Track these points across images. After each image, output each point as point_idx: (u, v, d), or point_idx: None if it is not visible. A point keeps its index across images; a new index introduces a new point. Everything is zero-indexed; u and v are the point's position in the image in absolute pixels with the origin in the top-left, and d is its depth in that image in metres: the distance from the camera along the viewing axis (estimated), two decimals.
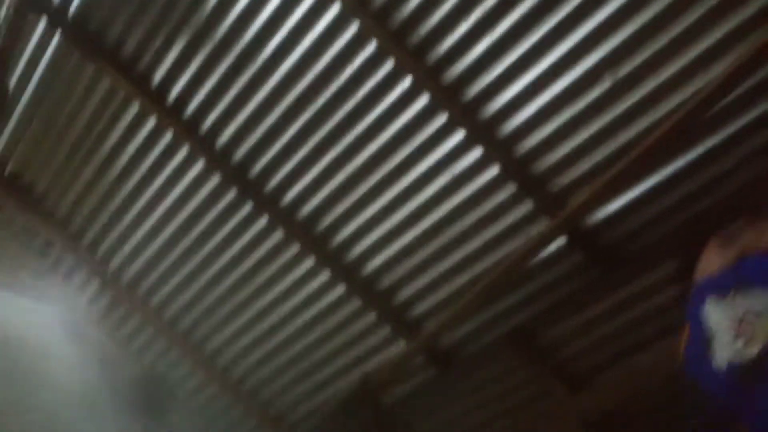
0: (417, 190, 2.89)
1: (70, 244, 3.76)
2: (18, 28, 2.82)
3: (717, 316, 0.72)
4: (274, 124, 2.97)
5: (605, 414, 2.98)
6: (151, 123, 3.11)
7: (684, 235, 2.10)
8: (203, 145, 3.11)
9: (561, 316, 2.95)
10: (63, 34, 2.87)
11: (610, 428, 3.02)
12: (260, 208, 3.22)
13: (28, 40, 3.06)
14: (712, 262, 0.82)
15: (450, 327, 3.11)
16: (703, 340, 0.74)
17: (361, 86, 2.73)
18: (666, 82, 2.36)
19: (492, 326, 3.14)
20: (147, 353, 4.00)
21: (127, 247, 3.65)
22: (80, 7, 2.81)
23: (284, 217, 3.22)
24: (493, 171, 2.73)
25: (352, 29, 2.60)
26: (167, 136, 3.15)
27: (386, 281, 3.24)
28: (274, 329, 3.60)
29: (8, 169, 3.68)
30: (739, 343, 0.68)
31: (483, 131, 2.68)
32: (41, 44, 3.05)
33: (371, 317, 3.31)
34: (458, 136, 2.71)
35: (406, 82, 2.66)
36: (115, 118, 3.17)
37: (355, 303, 3.30)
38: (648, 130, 2.41)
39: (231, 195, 3.22)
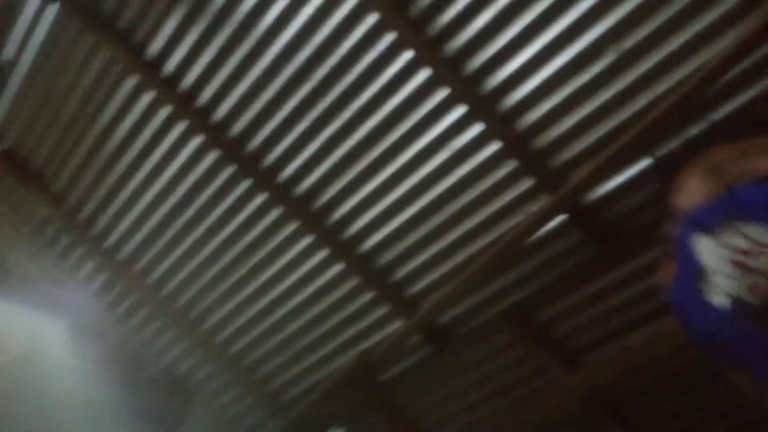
0: (416, 166, 2.87)
1: (68, 221, 3.74)
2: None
3: (712, 250, 0.67)
4: (273, 98, 2.93)
5: (601, 391, 2.98)
6: (148, 96, 3.07)
7: None
8: (201, 119, 3.08)
9: (559, 293, 2.93)
10: (61, 4, 2.83)
11: (607, 405, 3.02)
12: (259, 184, 3.19)
13: (24, 11, 3.03)
14: (699, 193, 0.76)
15: (448, 305, 3.10)
16: (695, 276, 0.69)
17: (361, 60, 2.70)
18: (669, 57, 2.33)
19: (489, 304, 3.12)
20: (144, 331, 4.00)
21: (125, 224, 3.63)
22: None
23: (283, 194, 3.19)
24: (494, 147, 2.70)
25: (352, 1, 2.56)
26: (165, 111, 3.12)
27: (385, 259, 3.22)
28: (272, 307, 3.59)
29: (5, 143, 3.66)
30: (747, 280, 0.63)
31: (484, 106, 2.64)
32: (38, 16, 3.01)
33: (370, 295, 3.30)
34: (459, 111, 2.68)
35: (406, 56, 2.63)
36: (113, 91, 3.14)
37: (354, 281, 3.29)
38: (650, 106, 2.38)
39: (229, 171, 3.19)
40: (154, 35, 2.91)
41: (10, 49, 3.20)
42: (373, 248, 3.20)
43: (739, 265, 0.66)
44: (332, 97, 2.83)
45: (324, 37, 2.70)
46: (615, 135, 2.47)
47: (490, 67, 2.58)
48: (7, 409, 3.24)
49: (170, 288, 3.77)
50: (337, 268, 3.30)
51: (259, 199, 3.24)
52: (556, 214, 2.67)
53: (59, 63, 3.13)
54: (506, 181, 2.77)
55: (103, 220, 3.69)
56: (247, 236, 3.39)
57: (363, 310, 3.37)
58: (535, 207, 2.75)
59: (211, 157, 3.17)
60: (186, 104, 3.06)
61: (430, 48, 2.59)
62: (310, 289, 3.46)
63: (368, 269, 3.24)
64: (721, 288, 0.67)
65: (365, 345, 3.45)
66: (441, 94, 2.66)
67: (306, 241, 3.27)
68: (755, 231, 0.67)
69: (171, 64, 3.00)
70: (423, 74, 2.64)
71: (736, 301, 0.66)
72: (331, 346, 3.57)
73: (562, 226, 2.75)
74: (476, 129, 2.68)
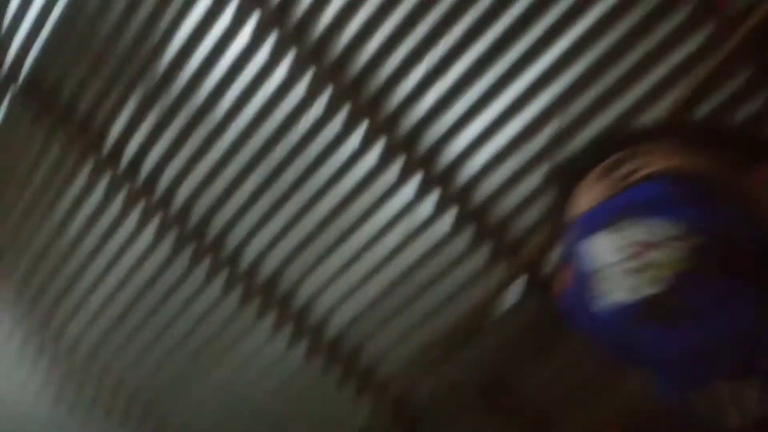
0: (376, 241, 2.87)
1: (25, 313, 3.62)
2: None
3: (603, 250, 0.66)
4: (231, 180, 2.94)
5: None
6: (104, 184, 3.06)
7: None
8: (158, 205, 3.06)
9: (528, 364, 2.89)
10: (14, 95, 2.85)
11: None
12: (216, 270, 3.15)
13: None
14: (591, 196, 0.75)
15: (416, 385, 3.03)
16: (586, 279, 0.65)
17: (316, 138, 2.74)
18: (613, 121, 2.41)
19: (460, 381, 3.06)
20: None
21: (83, 316, 3.52)
22: (32, 69, 2.81)
23: (243, 278, 3.15)
24: (450, 218, 2.74)
25: (306, 80, 2.63)
26: (120, 199, 3.10)
27: (350, 341, 3.17)
28: (238, 397, 3.46)
29: None
30: (635, 280, 0.61)
31: (438, 179, 2.70)
32: None
33: (335, 377, 3.20)
34: (413, 184, 2.72)
35: (360, 132, 2.69)
36: (68, 181, 3.12)
37: (318, 363, 3.20)
38: None
39: (187, 256, 3.15)
40: (111, 124, 2.93)
41: None
42: (337, 331, 3.15)
43: (634, 260, 0.65)
44: (290, 177, 2.85)
45: (280, 118, 2.75)
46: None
47: (442, 141, 2.65)
48: None
49: (134, 385, 3.63)
50: (302, 352, 3.22)
51: (218, 284, 3.18)
52: (515, 282, 2.67)
53: (14, 153, 3.12)
54: (465, 253, 2.78)
55: (61, 313, 3.58)
56: (208, 323, 3.31)
57: (329, 394, 3.26)
58: (494, 277, 2.75)
59: (169, 242, 3.13)
60: (143, 191, 3.05)
61: (383, 125, 2.65)
62: (275, 380, 3.36)
63: (333, 352, 3.17)
64: (616, 285, 0.65)
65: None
66: (395, 168, 2.71)
67: (267, 324, 3.20)
68: (649, 226, 0.66)
69: (129, 152, 3.01)
70: (377, 149, 2.69)
71: (631, 297, 0.65)
72: None
73: (523, 294, 2.74)
74: (432, 201, 2.72)
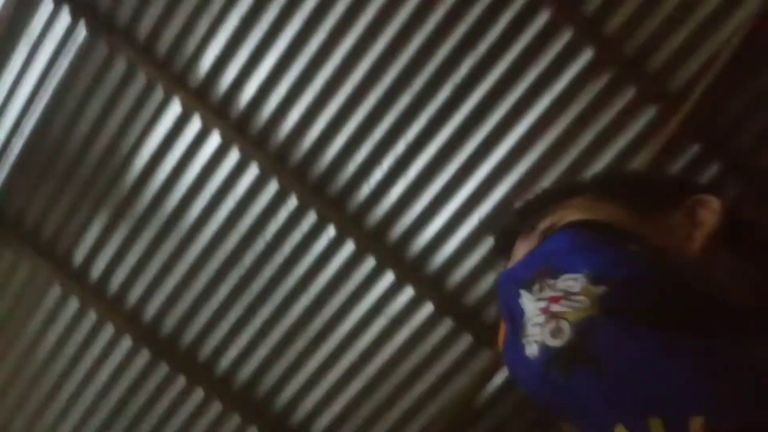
0: (354, 338, 2.84)
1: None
2: None
3: (525, 304, 0.69)
4: (201, 291, 2.92)
5: None
6: (74, 305, 3.01)
7: None
8: (129, 321, 3.01)
9: None
10: None
11: None
12: (194, 381, 3.07)
13: None
14: (518, 253, 0.79)
15: None
16: (515, 332, 0.69)
17: (287, 241, 2.76)
18: None
19: None
20: None
21: None
22: None
23: (220, 389, 3.08)
24: (427, 309, 2.73)
25: (272, 187, 2.67)
26: (91, 317, 3.04)
27: None
28: None
29: None
30: (547, 332, 0.64)
31: (411, 271, 2.71)
32: None
33: None
34: (388, 278, 2.73)
35: (330, 232, 2.71)
36: (37, 303, 3.06)
37: None
38: None
39: (162, 371, 3.07)
40: (76, 244, 2.92)
41: None
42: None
43: (545, 312, 0.65)
44: (262, 282, 2.84)
45: (248, 225, 2.76)
46: None
47: (411, 233, 2.68)
48: None
49: None
50: None
51: (196, 397, 3.09)
52: (499, 368, 2.65)
53: None
54: (445, 342, 2.76)
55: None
56: None
57: None
58: (477, 364, 2.73)
59: (144, 357, 3.05)
60: (113, 308, 3.00)
61: (351, 222, 2.69)
62: None
63: None
64: (532, 337, 0.66)
65: None
66: (368, 264, 2.72)
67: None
68: (558, 279, 0.67)
69: (96, 270, 2.98)
70: (348, 247, 2.71)
71: (542, 349, 0.65)
72: None
73: (508, 380, 2.72)
74: (407, 293, 2.72)
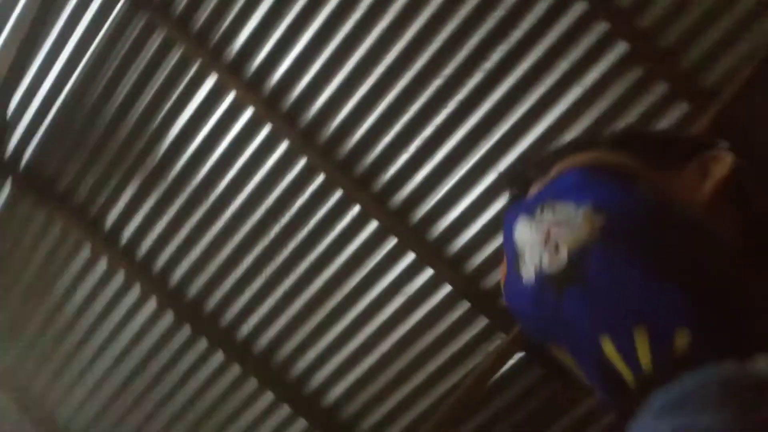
0: (371, 315, 2.91)
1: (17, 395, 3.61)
2: None
3: (525, 233, 0.71)
4: (227, 259, 2.99)
5: None
6: (102, 265, 3.10)
7: None
8: (155, 285, 3.10)
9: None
10: (14, 180, 2.92)
11: None
12: (214, 344, 3.17)
13: None
14: (530, 193, 0.82)
15: None
16: (514, 262, 0.72)
17: (312, 216, 2.81)
18: None
19: None
20: None
21: (79, 393, 3.51)
22: (34, 155, 2.88)
23: (240, 353, 3.17)
24: (445, 290, 2.78)
25: (301, 163, 2.71)
26: (119, 278, 3.14)
27: (346, 413, 3.17)
28: None
29: None
30: (545, 256, 0.67)
31: (431, 252, 2.76)
32: None
33: None
34: (408, 258, 2.78)
35: (354, 210, 2.76)
36: (66, 263, 3.16)
37: None
38: None
39: (185, 333, 3.17)
40: (109, 207, 3.00)
41: None
42: (334, 402, 3.15)
43: (544, 237, 0.69)
44: (285, 255, 2.91)
45: (275, 198, 2.82)
46: None
47: (433, 215, 2.72)
48: None
49: None
50: (299, 425, 3.22)
51: (216, 360, 3.20)
52: (514, 351, 2.70)
53: (13, 238, 3.16)
54: (461, 323, 2.82)
55: (55, 393, 3.57)
56: (205, 398, 3.30)
57: None
58: (491, 347, 2.78)
59: (167, 320, 3.15)
60: (141, 271, 3.09)
61: (376, 202, 2.73)
62: None
63: (330, 425, 3.17)
64: (529, 264, 0.69)
65: None
66: (390, 243, 2.77)
67: (266, 400, 3.20)
68: (559, 208, 0.70)
69: (126, 234, 3.06)
70: (371, 226, 2.76)
71: (538, 272, 0.68)
72: None
73: (521, 363, 2.77)
74: (426, 274, 2.77)
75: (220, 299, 3.10)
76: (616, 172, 0.74)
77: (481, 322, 2.81)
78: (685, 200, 0.71)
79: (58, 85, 2.67)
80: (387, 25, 2.51)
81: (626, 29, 2.39)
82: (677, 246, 0.66)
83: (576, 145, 0.85)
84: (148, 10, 2.61)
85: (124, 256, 3.08)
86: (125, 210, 2.96)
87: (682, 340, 0.61)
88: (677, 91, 2.42)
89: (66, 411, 3.58)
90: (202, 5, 2.59)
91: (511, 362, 2.77)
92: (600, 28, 2.40)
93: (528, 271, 0.69)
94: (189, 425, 3.41)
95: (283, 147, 2.68)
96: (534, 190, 0.80)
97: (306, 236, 2.85)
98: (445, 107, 2.54)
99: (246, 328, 3.13)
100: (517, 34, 2.43)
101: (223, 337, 3.16)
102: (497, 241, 2.71)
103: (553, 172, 0.79)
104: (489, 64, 2.44)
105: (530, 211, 0.73)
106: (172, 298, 3.12)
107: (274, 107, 2.64)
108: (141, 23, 2.61)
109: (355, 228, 2.79)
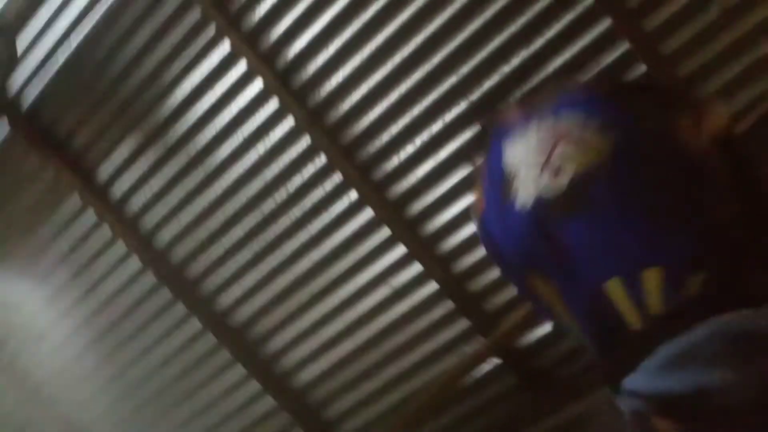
0: (354, 302, 2.90)
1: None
2: None
3: (519, 152, 0.64)
4: (216, 229, 2.96)
5: None
6: (90, 217, 3.06)
7: None
8: (141, 243, 3.06)
9: None
10: (15, 120, 2.86)
11: None
12: (192, 312, 3.15)
13: None
14: (512, 115, 0.73)
15: None
16: (502, 185, 0.65)
17: (308, 196, 2.79)
18: None
19: None
20: None
21: (47, 347, 3.48)
22: (37, 98, 2.83)
23: (216, 324, 3.15)
24: (431, 288, 2.78)
25: (304, 142, 2.69)
26: (105, 233, 3.10)
27: (316, 396, 3.16)
28: None
29: None
30: (546, 177, 0.61)
31: (423, 248, 2.74)
32: None
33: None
34: (399, 251, 2.77)
35: (351, 196, 2.74)
36: (54, 211, 3.11)
37: (285, 417, 3.19)
38: None
39: (164, 296, 3.14)
40: (104, 161, 2.95)
41: None
42: (306, 384, 3.15)
43: (543, 163, 0.62)
44: (277, 230, 2.88)
45: (274, 173, 2.79)
46: None
47: (430, 211, 2.71)
48: None
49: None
50: (266, 402, 3.21)
51: (192, 327, 3.17)
52: (490, 357, 2.71)
53: (6, 175, 3.11)
54: (442, 322, 2.82)
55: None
56: (175, 364, 3.28)
57: None
58: (469, 349, 2.78)
59: (149, 281, 3.12)
60: (130, 229, 3.05)
61: (374, 190, 2.71)
62: (240, 425, 3.33)
63: (298, 407, 3.16)
64: (526, 189, 0.63)
65: None
66: (383, 234, 2.76)
67: (237, 374, 3.19)
68: (564, 118, 0.64)
69: (118, 190, 3.02)
70: (366, 214, 2.74)
71: (537, 200, 0.62)
72: None
73: (495, 370, 2.78)
74: (415, 269, 2.76)
75: (204, 267, 3.07)
76: (624, 103, 0.71)
77: (462, 324, 2.81)
78: (689, 142, 0.69)
79: (72, 29, 2.62)
80: (408, 16, 2.48)
81: (647, 52, 2.38)
82: (689, 186, 0.64)
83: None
84: None
85: (114, 211, 3.04)
86: (121, 165, 2.92)
87: (695, 284, 0.57)
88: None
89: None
90: None
91: (486, 368, 2.77)
92: (621, 48, 2.39)
93: (522, 196, 0.63)
94: (154, 391, 3.39)
95: (288, 124, 2.66)
96: (519, 111, 0.74)
97: (300, 216, 2.83)
98: (457, 106, 2.53)
99: (226, 299, 3.11)
100: (538, 43, 2.42)
101: (202, 306, 3.14)
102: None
103: (551, 93, 0.74)
104: (508, 67, 2.43)
105: (523, 128, 0.67)
106: (156, 260, 3.09)
107: (285, 83, 2.61)
108: None
109: (350, 214, 2.78)
